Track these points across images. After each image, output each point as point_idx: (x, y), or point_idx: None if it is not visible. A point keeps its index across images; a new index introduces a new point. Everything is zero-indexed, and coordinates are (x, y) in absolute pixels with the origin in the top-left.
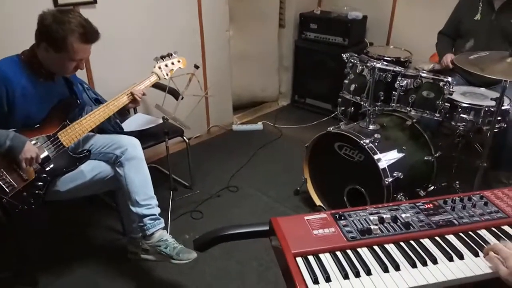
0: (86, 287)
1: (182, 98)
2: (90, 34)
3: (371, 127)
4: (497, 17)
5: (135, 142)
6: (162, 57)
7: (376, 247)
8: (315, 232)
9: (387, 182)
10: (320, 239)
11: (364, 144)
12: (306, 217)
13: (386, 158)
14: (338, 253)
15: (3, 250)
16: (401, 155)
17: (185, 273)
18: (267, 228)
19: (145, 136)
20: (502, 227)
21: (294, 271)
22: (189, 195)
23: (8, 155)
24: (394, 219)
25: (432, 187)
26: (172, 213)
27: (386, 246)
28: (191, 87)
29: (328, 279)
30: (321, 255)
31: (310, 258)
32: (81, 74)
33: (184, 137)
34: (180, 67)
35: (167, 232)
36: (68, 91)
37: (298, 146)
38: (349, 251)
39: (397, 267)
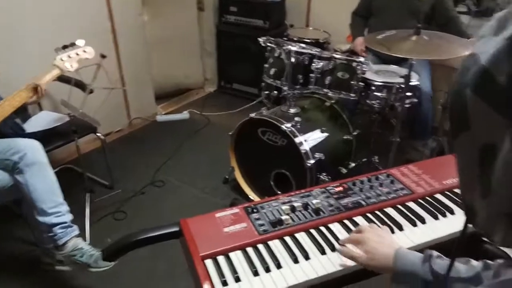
0: None
1: (91, 92)
2: None
3: (291, 110)
4: None
5: (35, 144)
6: (64, 47)
7: (287, 238)
8: (226, 229)
9: (309, 164)
10: (231, 236)
11: (286, 128)
12: (217, 214)
13: (308, 140)
14: (249, 249)
15: None
16: (322, 136)
17: (109, 278)
18: (177, 229)
19: (51, 136)
20: (407, 203)
21: (202, 275)
22: (109, 196)
23: None
24: (305, 206)
25: (353, 164)
26: (91, 216)
27: (297, 235)
28: (102, 78)
29: (237, 279)
30: (231, 254)
31: (220, 258)
32: None
33: (98, 134)
34: (87, 58)
35: (86, 239)
36: None
37: (226, 134)
38: (260, 246)
39: (307, 257)
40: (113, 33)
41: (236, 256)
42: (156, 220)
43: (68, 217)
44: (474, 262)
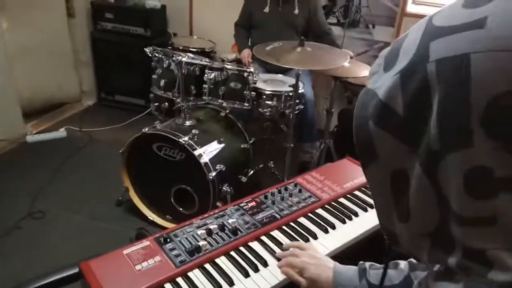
0: None
1: None
2: None
3: (187, 123)
4: (283, 8)
5: None
6: None
7: (207, 265)
8: (138, 267)
9: (211, 177)
10: (145, 274)
11: (183, 142)
12: (125, 251)
13: (207, 152)
14: (167, 286)
15: None
16: (220, 147)
17: None
18: (76, 270)
19: None
20: (316, 210)
21: None
22: None
23: None
24: (222, 227)
25: (251, 171)
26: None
27: (218, 260)
28: None
29: None
30: None
31: None
32: None
33: None
34: None
35: None
36: None
37: (113, 150)
38: (179, 279)
39: (231, 282)
40: None
41: None
42: (37, 258)
43: None
44: (401, 264)
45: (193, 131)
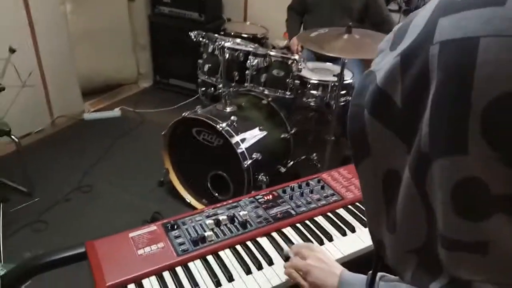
0: None
1: (1, 89)
2: None
3: (228, 109)
4: None
5: None
6: None
7: (209, 257)
8: (140, 251)
9: (246, 165)
10: (146, 259)
11: (221, 128)
12: (131, 234)
13: (244, 140)
14: (166, 274)
15: None
16: (259, 135)
17: None
18: (83, 250)
19: None
20: (337, 210)
21: None
22: (27, 204)
23: None
24: (231, 219)
25: (291, 162)
26: (6, 229)
27: (221, 253)
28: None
29: None
30: (144, 281)
31: (130, 287)
32: None
33: (13, 136)
34: None
35: None
36: None
37: (162, 132)
38: (178, 269)
39: (230, 278)
40: (30, 25)
41: (150, 283)
42: (80, 231)
43: None
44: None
45: (232, 117)
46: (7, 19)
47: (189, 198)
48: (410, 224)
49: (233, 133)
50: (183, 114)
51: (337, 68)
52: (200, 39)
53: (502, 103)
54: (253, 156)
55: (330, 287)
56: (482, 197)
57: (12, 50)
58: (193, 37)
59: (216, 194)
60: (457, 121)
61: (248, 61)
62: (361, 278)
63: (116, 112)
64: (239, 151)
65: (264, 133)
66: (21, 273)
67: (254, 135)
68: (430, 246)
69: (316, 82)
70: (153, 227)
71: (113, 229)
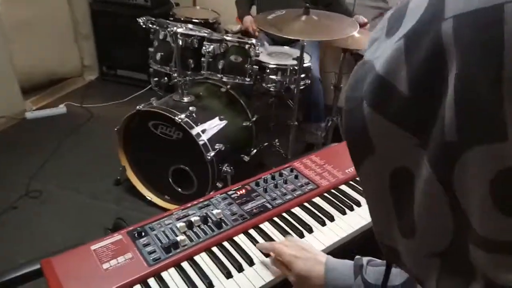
0: None
1: None
2: None
3: (185, 99)
4: None
5: None
6: None
7: (184, 264)
8: (106, 266)
9: (209, 157)
10: (113, 274)
11: (180, 120)
12: (93, 247)
13: (205, 131)
14: (136, 287)
15: None
16: (220, 125)
17: None
18: (38, 266)
19: None
20: (313, 199)
21: None
22: None
23: None
24: (205, 219)
25: (255, 150)
26: None
27: (197, 258)
28: None
29: None
30: None
31: None
32: None
33: None
34: None
35: None
36: None
37: (113, 127)
38: (151, 280)
39: (210, 284)
40: None
41: None
42: (32, 239)
43: None
44: None
45: (191, 108)
46: None
47: (149, 196)
48: (433, 225)
49: (193, 125)
50: (138, 107)
51: (295, 52)
52: (150, 25)
53: None
54: (216, 147)
55: (316, 276)
56: None
57: None
58: (142, 23)
59: (179, 189)
60: (491, 104)
61: (204, 48)
62: (348, 264)
63: (61, 108)
64: (200, 142)
65: (225, 122)
66: None
67: (214, 125)
68: (457, 248)
69: (274, 66)
70: (117, 236)
71: (68, 237)
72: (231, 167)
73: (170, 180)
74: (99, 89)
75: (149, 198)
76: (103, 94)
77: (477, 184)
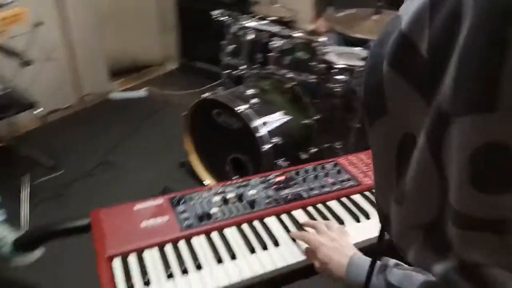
0: None
1: (28, 64)
2: None
3: (249, 91)
4: None
5: None
6: None
7: (214, 234)
8: (144, 224)
9: (265, 149)
10: (149, 232)
11: (240, 110)
12: (136, 206)
13: (265, 124)
14: (168, 247)
15: None
16: (280, 119)
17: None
18: (87, 222)
19: None
20: (352, 196)
21: (104, 279)
22: (51, 177)
23: None
24: (239, 198)
25: (315, 149)
26: (31, 201)
27: (226, 231)
28: (42, 49)
29: (147, 283)
30: (145, 253)
31: (131, 258)
32: None
33: (38, 110)
34: (18, 20)
35: (22, 226)
36: None
37: None
38: (181, 243)
39: (233, 256)
40: (62, 3)
41: (151, 256)
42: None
43: None
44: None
45: (253, 100)
46: None
47: (207, 181)
48: (421, 195)
49: (253, 116)
50: (203, 95)
51: (365, 53)
52: (224, 18)
53: None
54: (273, 140)
55: (336, 264)
56: (506, 167)
57: (38, 23)
58: (216, 16)
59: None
60: (488, 72)
61: (272, 43)
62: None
63: (142, 92)
64: (258, 134)
65: (286, 117)
66: (31, 239)
67: (275, 119)
68: (440, 222)
69: (341, 66)
70: (159, 201)
71: None
72: (288, 163)
73: (228, 168)
74: (177, 79)
75: (206, 184)
76: (181, 83)
77: (458, 156)
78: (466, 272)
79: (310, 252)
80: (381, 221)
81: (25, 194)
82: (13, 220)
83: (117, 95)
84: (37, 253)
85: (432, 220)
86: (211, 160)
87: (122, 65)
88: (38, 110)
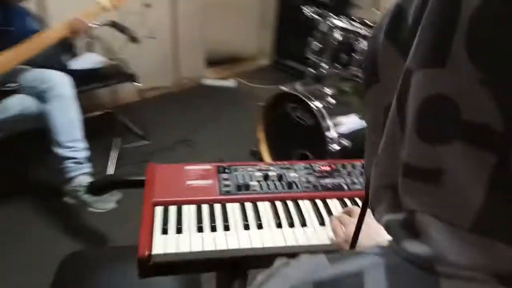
0: (16, 223)
1: (135, 40)
2: None
3: (328, 90)
4: None
5: (64, 78)
6: None
7: (247, 204)
8: (189, 182)
9: (332, 150)
10: (192, 190)
11: (315, 107)
12: (187, 167)
13: (337, 125)
14: (204, 206)
15: None
16: (354, 123)
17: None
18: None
19: (91, 77)
20: None
21: (146, 219)
22: (139, 145)
23: None
24: (280, 177)
25: None
26: (118, 162)
27: (260, 203)
28: (142, 28)
29: (179, 231)
30: (184, 207)
31: (171, 208)
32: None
33: (137, 83)
34: None
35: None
36: (2, 18)
37: None
38: (216, 205)
39: (259, 226)
40: None
41: (188, 210)
42: None
43: (82, 154)
44: None
45: (329, 99)
46: None
47: None
48: (388, 154)
49: (327, 115)
50: (280, 87)
51: None
52: (313, 15)
53: (485, 13)
54: (343, 142)
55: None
56: (449, 120)
57: (147, 5)
58: (305, 11)
59: None
60: (443, 29)
61: (357, 44)
62: None
63: (231, 82)
64: (328, 134)
65: (361, 122)
66: (101, 185)
67: (349, 122)
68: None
69: None
70: (208, 166)
71: None
72: None
73: None
74: (267, 74)
75: None
76: (269, 79)
77: (412, 107)
78: (404, 220)
79: (338, 227)
80: (365, 185)
81: (114, 155)
82: (98, 176)
83: (209, 81)
84: (111, 204)
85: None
86: (279, 153)
87: (218, 54)
88: (138, 85)
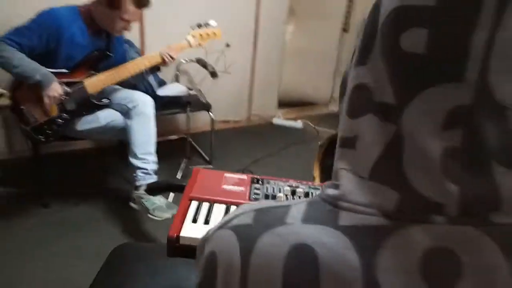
0: (87, 219)
1: (214, 75)
2: (142, 0)
3: None
4: None
5: (147, 100)
6: (199, 26)
7: None
8: (225, 186)
9: None
10: (225, 192)
11: None
12: (226, 174)
13: None
14: (233, 207)
15: (24, 173)
16: None
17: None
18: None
19: (172, 104)
20: None
21: (181, 209)
22: (204, 167)
23: (35, 89)
24: (306, 194)
25: None
26: (182, 179)
27: None
28: (221, 65)
29: (206, 222)
30: (216, 205)
31: (204, 204)
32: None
33: (210, 113)
34: (213, 38)
35: (169, 196)
36: (105, 45)
37: None
38: None
39: None
40: (255, 36)
41: (218, 208)
42: None
43: (152, 166)
44: None
45: None
46: (239, 26)
47: None
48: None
49: None
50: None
51: None
52: None
53: (390, 17)
54: None
55: None
56: (365, 101)
57: (227, 45)
58: None
59: None
60: (370, 35)
61: None
62: None
63: (298, 123)
64: None
65: None
66: (160, 186)
67: None
68: None
69: None
70: (244, 176)
71: None
72: None
73: None
74: (335, 120)
75: None
76: (335, 124)
77: (346, 95)
78: (333, 177)
79: None
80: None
81: (179, 173)
82: None
83: (278, 121)
84: (168, 215)
85: None
86: None
87: (291, 97)
88: (212, 116)
